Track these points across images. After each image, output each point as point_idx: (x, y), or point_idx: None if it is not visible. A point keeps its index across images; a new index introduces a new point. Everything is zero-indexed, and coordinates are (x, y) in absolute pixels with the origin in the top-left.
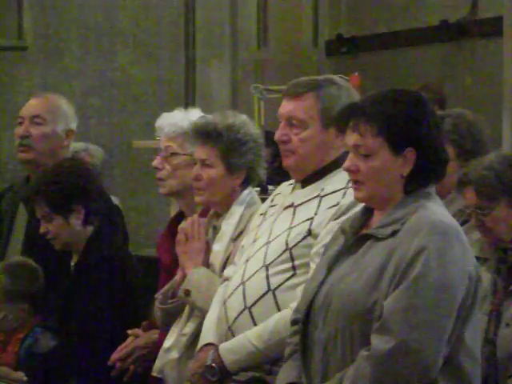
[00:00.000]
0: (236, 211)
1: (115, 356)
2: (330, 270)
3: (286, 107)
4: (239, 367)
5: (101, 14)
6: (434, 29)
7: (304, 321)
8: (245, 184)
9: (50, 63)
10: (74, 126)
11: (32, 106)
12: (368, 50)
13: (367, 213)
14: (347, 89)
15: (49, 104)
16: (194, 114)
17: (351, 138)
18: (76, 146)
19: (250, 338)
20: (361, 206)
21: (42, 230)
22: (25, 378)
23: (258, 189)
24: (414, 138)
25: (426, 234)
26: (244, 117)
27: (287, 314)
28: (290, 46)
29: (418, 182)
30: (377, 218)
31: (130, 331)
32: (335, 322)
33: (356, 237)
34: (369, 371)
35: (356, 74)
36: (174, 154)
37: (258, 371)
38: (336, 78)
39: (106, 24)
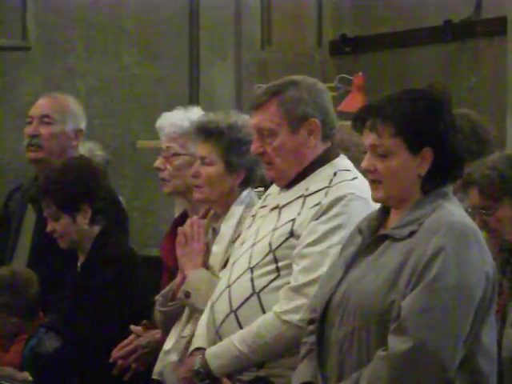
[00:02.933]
0: (235, 212)
1: (117, 354)
2: (347, 270)
3: (254, 119)
4: (225, 371)
5: (105, 13)
6: (437, 29)
7: (320, 320)
8: (244, 185)
9: (54, 63)
10: (82, 125)
11: (41, 105)
12: (372, 50)
13: (384, 213)
14: (308, 86)
15: (58, 104)
16: (195, 114)
17: (369, 138)
18: None
19: (234, 342)
20: (341, 204)
21: (48, 228)
22: (30, 379)
23: (262, 188)
24: (432, 137)
25: (443, 234)
26: (246, 117)
27: (270, 317)
28: (294, 46)
29: (435, 182)
30: (394, 218)
31: (132, 327)
32: (352, 321)
33: (373, 237)
34: (386, 372)
35: (360, 73)
36: (175, 154)
37: (262, 371)
38: (297, 78)
39: (110, 24)
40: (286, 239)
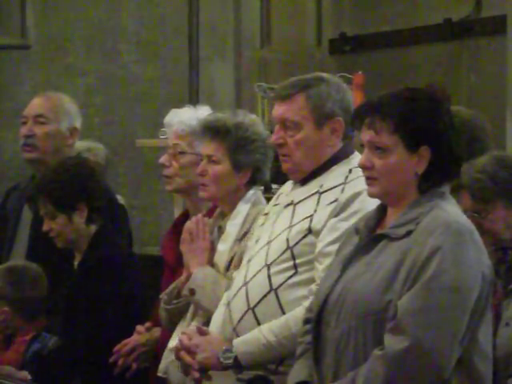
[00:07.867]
0: (241, 211)
1: (117, 353)
2: (344, 269)
3: (278, 110)
4: (250, 359)
5: (104, 12)
6: (437, 27)
7: (317, 320)
8: (250, 184)
9: (54, 62)
10: (78, 124)
11: (35, 105)
12: (372, 49)
13: (381, 212)
14: (337, 85)
15: (51, 103)
16: (203, 112)
17: (367, 135)
18: (78, 146)
19: (262, 331)
20: (359, 200)
21: (45, 227)
22: (29, 377)
23: (262, 188)
24: (430, 136)
25: (440, 234)
26: (253, 116)
27: (299, 311)
28: (294, 45)
29: (432, 181)
30: (391, 218)
31: (138, 326)
32: (348, 321)
33: (370, 237)
34: (382, 371)
35: (360, 72)
36: (182, 152)
37: (262, 370)
38: (324, 75)
39: (110, 23)
40: (304, 236)
